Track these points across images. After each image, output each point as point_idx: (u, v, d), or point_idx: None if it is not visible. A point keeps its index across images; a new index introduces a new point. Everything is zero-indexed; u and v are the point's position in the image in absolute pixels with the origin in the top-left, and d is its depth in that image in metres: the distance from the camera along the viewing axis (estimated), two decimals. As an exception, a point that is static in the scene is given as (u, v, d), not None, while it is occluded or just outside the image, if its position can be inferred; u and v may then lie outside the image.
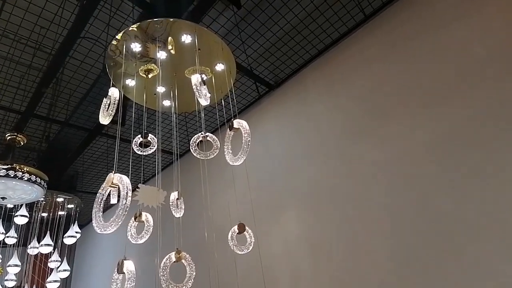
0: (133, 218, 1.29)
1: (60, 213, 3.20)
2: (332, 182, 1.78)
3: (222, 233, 1.52)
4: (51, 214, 3.12)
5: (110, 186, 1.01)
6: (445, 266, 1.30)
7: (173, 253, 1.25)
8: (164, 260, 1.24)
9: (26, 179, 1.65)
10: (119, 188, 1.05)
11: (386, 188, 1.57)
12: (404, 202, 1.49)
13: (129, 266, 1.02)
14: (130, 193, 0.99)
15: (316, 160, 1.91)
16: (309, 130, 2.01)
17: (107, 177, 1.02)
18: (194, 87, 1.31)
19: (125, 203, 0.95)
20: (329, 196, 1.76)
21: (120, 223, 0.95)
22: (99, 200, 1.01)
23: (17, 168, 1.64)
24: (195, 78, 1.31)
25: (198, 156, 1.62)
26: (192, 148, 1.60)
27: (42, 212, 3.04)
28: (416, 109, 1.56)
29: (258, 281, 1.61)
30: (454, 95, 1.46)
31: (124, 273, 1.01)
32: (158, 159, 1.51)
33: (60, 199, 3.04)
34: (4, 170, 1.60)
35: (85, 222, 4.25)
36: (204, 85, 1.31)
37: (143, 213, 1.29)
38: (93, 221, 0.98)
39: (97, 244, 4.01)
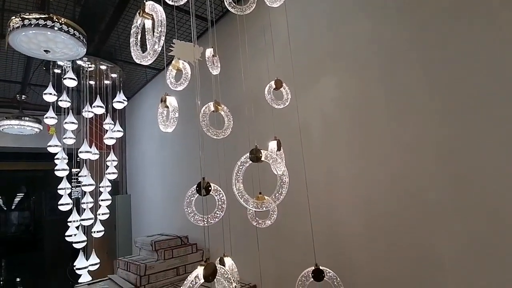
0: (171, 66, 1.28)
1: (106, 82, 3.39)
2: (389, 39, 1.58)
3: (260, 94, 1.51)
4: (98, 83, 3.31)
5: (143, 16, 0.96)
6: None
7: (212, 103, 1.28)
8: (203, 108, 1.28)
9: (65, 30, 1.65)
10: (153, 22, 0.99)
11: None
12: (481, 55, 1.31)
13: (172, 101, 1.07)
14: (164, 22, 0.93)
15: (369, 14, 1.66)
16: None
17: (141, 7, 0.96)
18: None
19: (161, 30, 0.91)
20: (380, 59, 1.60)
21: (157, 54, 0.94)
22: (134, 32, 0.98)
23: (55, 18, 1.62)
24: None
25: (232, 11, 1.46)
26: (226, 1, 1.43)
27: (90, 80, 3.23)
28: None
29: (295, 132, 1.69)
30: None
31: (167, 106, 1.06)
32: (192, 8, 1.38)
33: (103, 67, 3.17)
34: (42, 20, 1.59)
35: (130, 95, 4.54)
36: None
37: (180, 61, 1.27)
38: (132, 53, 0.97)
39: (144, 114, 4.38)
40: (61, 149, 2.83)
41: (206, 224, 0.91)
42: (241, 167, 1.03)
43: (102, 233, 3.08)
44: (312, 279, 1.09)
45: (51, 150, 2.75)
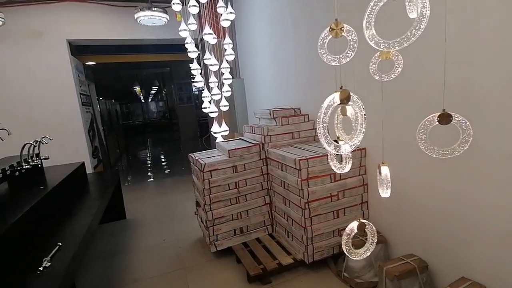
0: None
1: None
2: None
3: None
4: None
5: None
6: None
7: None
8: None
9: None
10: None
11: None
12: None
13: None
14: None
15: None
16: None
17: None
18: None
19: None
20: None
21: None
22: None
23: None
24: None
25: None
26: None
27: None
28: None
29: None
30: None
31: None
32: None
33: None
34: None
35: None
36: None
37: None
38: None
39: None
40: (188, 34, 3.20)
41: (338, 64, 1.00)
42: (374, 7, 1.01)
43: (227, 107, 3.66)
44: (437, 122, 1.11)
45: (182, 34, 3.15)
